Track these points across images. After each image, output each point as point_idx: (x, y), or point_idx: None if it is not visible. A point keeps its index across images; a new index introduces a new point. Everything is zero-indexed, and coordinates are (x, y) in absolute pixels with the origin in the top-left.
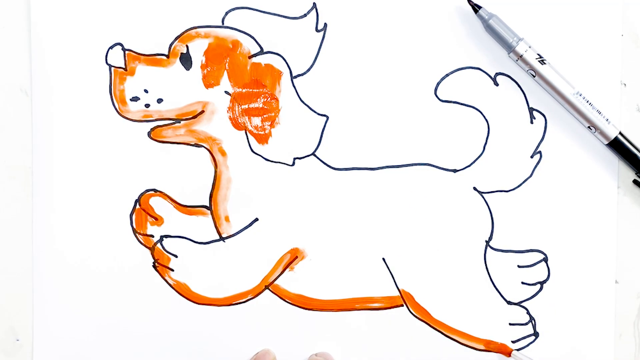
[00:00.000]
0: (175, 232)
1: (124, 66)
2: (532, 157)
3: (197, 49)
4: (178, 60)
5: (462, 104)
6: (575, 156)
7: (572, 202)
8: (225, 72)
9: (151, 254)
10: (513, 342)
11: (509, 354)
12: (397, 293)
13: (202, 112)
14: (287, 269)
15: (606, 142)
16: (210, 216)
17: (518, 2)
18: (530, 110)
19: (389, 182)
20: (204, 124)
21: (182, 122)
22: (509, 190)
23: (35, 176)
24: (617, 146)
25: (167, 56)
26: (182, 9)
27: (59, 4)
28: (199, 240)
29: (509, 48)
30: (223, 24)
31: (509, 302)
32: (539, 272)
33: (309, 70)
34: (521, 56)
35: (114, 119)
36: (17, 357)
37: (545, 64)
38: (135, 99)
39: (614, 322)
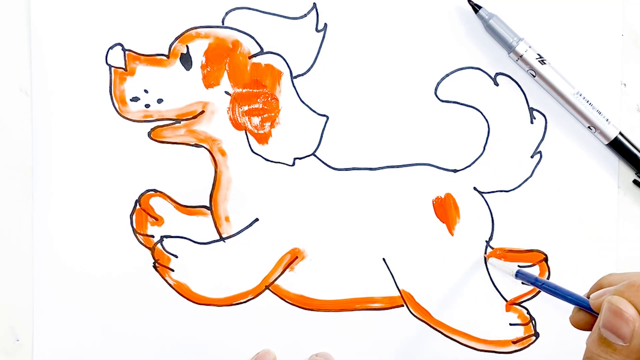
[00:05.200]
0: (175, 233)
1: (124, 66)
2: (532, 157)
3: (197, 49)
4: (178, 60)
5: (462, 104)
6: (575, 156)
7: (572, 202)
8: (225, 73)
9: (151, 254)
10: (513, 342)
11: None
12: (397, 293)
13: (202, 112)
14: (287, 269)
15: (606, 142)
16: (210, 216)
17: (518, 2)
18: (530, 110)
19: (389, 182)
20: (204, 124)
21: (182, 122)
22: (509, 190)
23: (35, 176)
24: (617, 146)
25: (167, 56)
26: (182, 9)
27: (59, 4)
28: (199, 241)
29: (509, 48)
30: (223, 24)
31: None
32: (539, 272)
33: (309, 70)
34: (521, 56)
35: (114, 119)
36: (17, 357)
37: (545, 64)
38: (135, 99)
39: None
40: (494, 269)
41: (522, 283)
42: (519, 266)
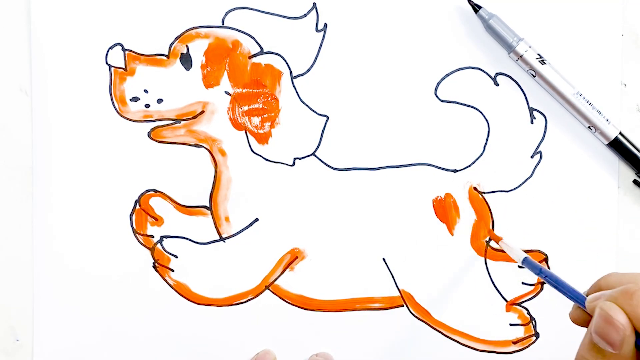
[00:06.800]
0: (175, 233)
1: (124, 66)
2: (532, 157)
3: (197, 49)
4: (178, 60)
5: (462, 104)
6: (575, 156)
7: (572, 202)
8: (225, 73)
9: (151, 254)
10: (513, 342)
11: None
12: (397, 293)
13: (202, 112)
14: (287, 269)
15: (606, 142)
16: (210, 216)
17: (518, 2)
18: (531, 110)
19: (389, 182)
20: (204, 124)
21: (182, 122)
22: (509, 190)
23: (35, 176)
24: (617, 146)
25: (167, 56)
26: (182, 9)
27: (59, 4)
28: (199, 241)
29: (509, 48)
30: (223, 24)
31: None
32: None
33: (309, 70)
34: (521, 56)
35: (114, 119)
36: (17, 357)
37: (545, 64)
38: (135, 99)
39: None
40: (493, 267)
41: (519, 266)
42: (519, 266)
